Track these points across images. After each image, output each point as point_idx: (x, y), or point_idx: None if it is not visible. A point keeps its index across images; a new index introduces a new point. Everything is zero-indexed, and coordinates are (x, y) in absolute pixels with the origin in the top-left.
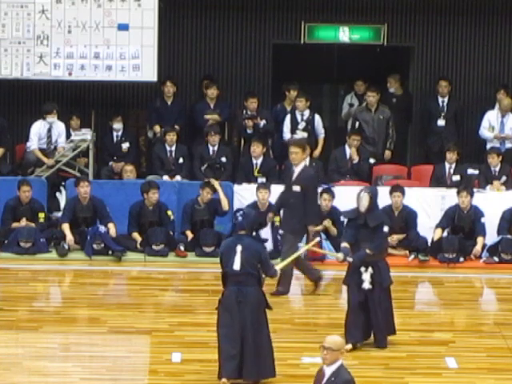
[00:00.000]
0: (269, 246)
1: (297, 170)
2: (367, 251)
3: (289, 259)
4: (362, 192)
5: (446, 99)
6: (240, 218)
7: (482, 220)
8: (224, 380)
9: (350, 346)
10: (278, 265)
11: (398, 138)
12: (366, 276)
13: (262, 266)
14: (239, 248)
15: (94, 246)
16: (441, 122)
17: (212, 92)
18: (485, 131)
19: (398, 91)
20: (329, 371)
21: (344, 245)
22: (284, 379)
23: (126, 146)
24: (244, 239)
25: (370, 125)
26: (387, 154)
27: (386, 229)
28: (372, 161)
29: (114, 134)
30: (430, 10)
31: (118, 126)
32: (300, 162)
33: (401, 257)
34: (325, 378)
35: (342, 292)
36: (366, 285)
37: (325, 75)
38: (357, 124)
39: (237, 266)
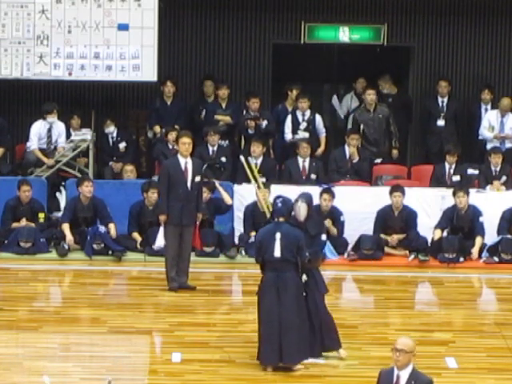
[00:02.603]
0: None
1: (189, 161)
2: (306, 255)
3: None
4: (298, 202)
5: (445, 99)
6: (280, 205)
7: (481, 219)
8: (269, 369)
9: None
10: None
11: (399, 137)
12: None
13: (298, 251)
14: (278, 235)
15: (94, 246)
16: (440, 122)
17: (223, 92)
18: (485, 131)
19: (393, 90)
20: (404, 375)
21: None
22: (284, 379)
23: (122, 145)
24: (282, 226)
25: (371, 125)
26: (394, 152)
27: (323, 237)
28: (378, 161)
29: (109, 135)
30: (430, 10)
31: (109, 129)
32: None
33: (401, 257)
34: (402, 383)
35: (343, 292)
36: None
37: (325, 75)
38: (360, 126)
39: (277, 253)
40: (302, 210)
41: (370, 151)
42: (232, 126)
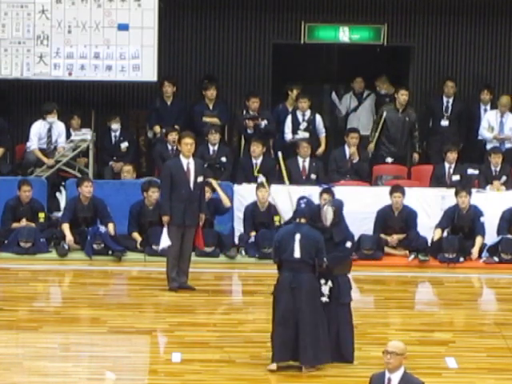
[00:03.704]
0: None
1: (191, 161)
2: (324, 260)
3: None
4: (325, 206)
5: (451, 99)
6: (303, 206)
7: (481, 219)
8: (272, 366)
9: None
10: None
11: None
12: (325, 289)
13: (317, 253)
14: (298, 236)
15: (94, 246)
16: (444, 123)
17: (211, 93)
18: (484, 131)
19: (390, 91)
20: (396, 377)
21: None
22: (284, 379)
23: (124, 145)
24: (302, 227)
25: (396, 125)
26: (416, 156)
27: (348, 244)
28: (389, 160)
29: (112, 134)
30: (430, 10)
31: (115, 126)
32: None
33: (401, 257)
34: None
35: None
36: (324, 298)
37: (325, 75)
38: (384, 113)
39: (297, 253)
40: (327, 214)
41: (387, 149)
42: (221, 126)
